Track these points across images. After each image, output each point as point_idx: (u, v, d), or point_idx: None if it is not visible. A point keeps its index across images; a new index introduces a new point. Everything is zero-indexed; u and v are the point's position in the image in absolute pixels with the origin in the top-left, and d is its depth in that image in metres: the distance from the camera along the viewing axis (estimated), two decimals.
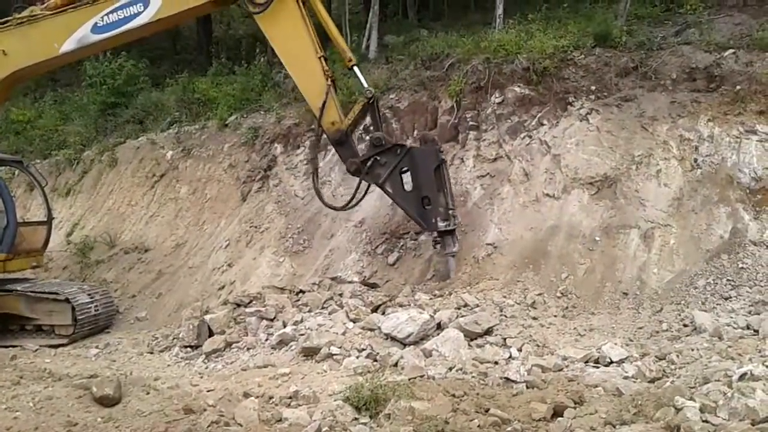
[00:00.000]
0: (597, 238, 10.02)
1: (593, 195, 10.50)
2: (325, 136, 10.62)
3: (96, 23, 10.18)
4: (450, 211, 10.15)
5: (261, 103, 15.47)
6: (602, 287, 9.51)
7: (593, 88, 11.38)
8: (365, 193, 11.06)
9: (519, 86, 11.79)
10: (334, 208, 11.31)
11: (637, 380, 6.82)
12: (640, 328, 8.45)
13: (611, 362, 7.41)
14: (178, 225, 14.79)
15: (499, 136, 11.78)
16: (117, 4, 10.25)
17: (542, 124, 11.51)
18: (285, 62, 10.54)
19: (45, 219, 13.17)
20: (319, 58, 10.13)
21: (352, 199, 10.93)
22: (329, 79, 10.19)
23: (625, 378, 6.91)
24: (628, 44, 11.66)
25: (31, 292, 11.66)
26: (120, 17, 10.12)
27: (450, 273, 10.36)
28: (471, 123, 12.06)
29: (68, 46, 10.35)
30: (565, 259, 9.95)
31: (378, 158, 10.27)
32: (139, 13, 10.06)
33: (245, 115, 15.46)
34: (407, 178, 10.26)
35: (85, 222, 16.42)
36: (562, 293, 9.49)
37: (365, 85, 10.45)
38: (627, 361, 7.35)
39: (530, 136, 11.48)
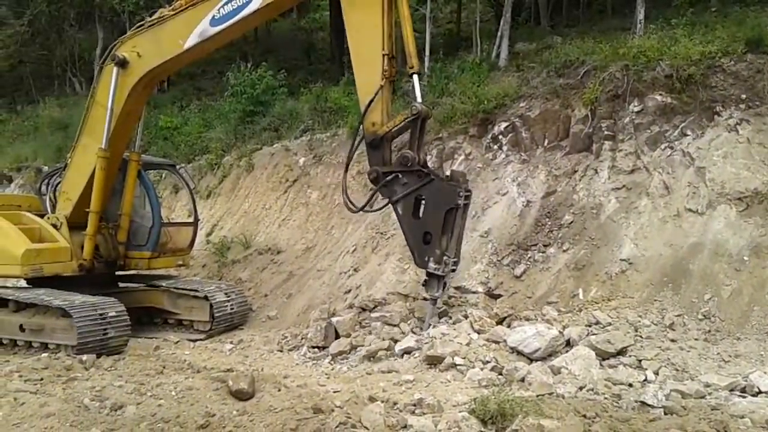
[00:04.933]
0: (745, 258, 9.29)
1: (742, 211, 9.74)
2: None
3: (213, 16, 10.70)
4: (445, 257, 9.48)
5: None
6: (750, 311, 8.78)
7: (744, 96, 10.56)
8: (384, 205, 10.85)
9: (660, 94, 11.15)
10: (350, 209, 11.05)
11: None
12: None
13: (760, 392, 6.88)
14: (308, 229, 15.31)
15: (637, 146, 11.21)
16: None
17: (685, 135, 10.83)
18: (351, 48, 10.40)
19: (191, 220, 14.05)
20: (384, 55, 9.76)
21: (366, 204, 10.73)
22: (385, 80, 9.83)
23: None
24: None
25: (174, 288, 12.37)
26: (234, 7, 10.54)
27: (427, 321, 9.75)
28: (606, 133, 11.55)
29: (191, 41, 10.94)
30: (709, 279, 9.30)
31: (400, 176, 9.82)
32: (250, 1, 10.47)
33: None
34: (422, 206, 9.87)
35: (224, 223, 17.39)
36: (704, 315, 8.88)
37: (418, 98, 9.92)
38: None
39: (672, 147, 10.84)
